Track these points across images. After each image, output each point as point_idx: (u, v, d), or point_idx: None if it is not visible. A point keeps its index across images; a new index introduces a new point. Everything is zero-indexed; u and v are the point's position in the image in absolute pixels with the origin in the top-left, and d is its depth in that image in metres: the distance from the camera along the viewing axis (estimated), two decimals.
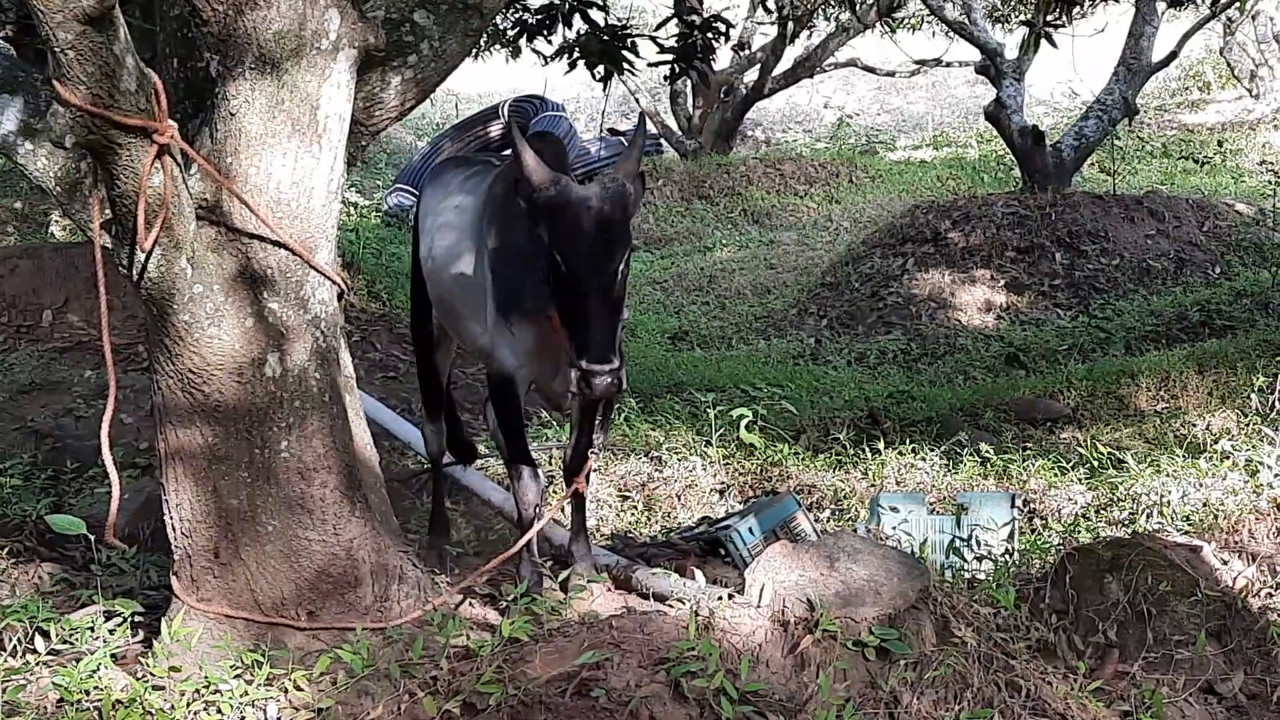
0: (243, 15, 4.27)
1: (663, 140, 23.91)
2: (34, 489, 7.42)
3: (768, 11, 19.86)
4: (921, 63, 21.61)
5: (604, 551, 6.47)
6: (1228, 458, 5.50)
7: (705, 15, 12.87)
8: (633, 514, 7.38)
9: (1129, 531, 5.18)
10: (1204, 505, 4.97)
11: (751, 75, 23.76)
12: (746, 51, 23.91)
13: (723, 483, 7.48)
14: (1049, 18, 15.17)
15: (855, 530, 5.85)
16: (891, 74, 24.10)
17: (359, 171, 24.71)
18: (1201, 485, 5.31)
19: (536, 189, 4.91)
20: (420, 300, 6.45)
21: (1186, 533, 4.74)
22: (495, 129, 21.39)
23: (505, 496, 6.93)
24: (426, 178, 6.70)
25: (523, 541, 5.39)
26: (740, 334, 14.86)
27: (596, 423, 5.73)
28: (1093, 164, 18.61)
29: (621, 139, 22.02)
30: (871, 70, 24.07)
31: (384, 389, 10.13)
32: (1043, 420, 9.62)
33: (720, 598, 4.16)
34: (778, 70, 23.51)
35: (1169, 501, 5.23)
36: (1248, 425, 8.34)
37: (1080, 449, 7.92)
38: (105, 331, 4.17)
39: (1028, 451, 7.46)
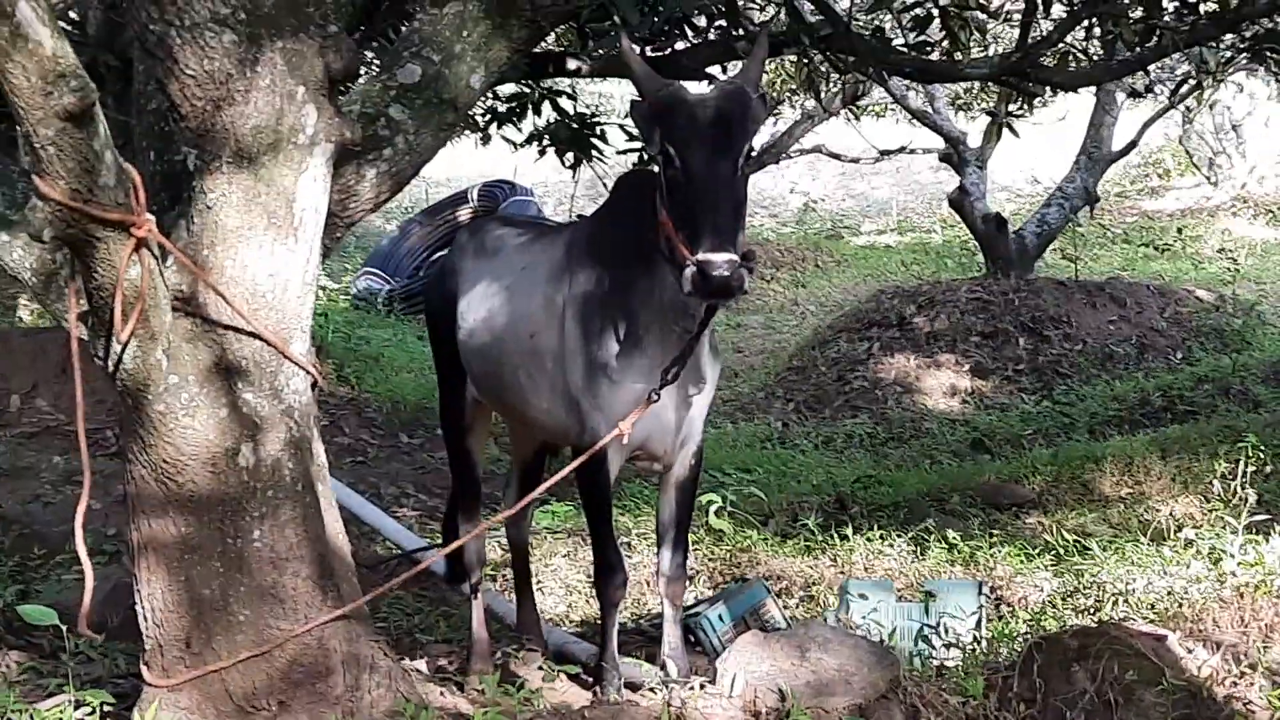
0: (220, 111, 4.33)
1: None
2: (0, 576, 7.40)
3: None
4: (886, 152, 21.81)
5: (574, 639, 6.50)
6: (1191, 545, 5.56)
7: None
8: None
9: (1095, 619, 5.24)
10: (1168, 594, 5.03)
11: None
12: None
13: (692, 569, 7.50)
14: (1011, 107, 15.43)
15: (824, 618, 5.88)
16: (856, 160, 24.27)
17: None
18: (1166, 574, 5.37)
19: (651, 91, 4.85)
20: (450, 377, 6.17)
21: (1152, 621, 4.79)
22: (464, 214, 21.48)
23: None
24: (456, 244, 6.40)
25: (607, 641, 5.34)
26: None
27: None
28: (1055, 250, 18.83)
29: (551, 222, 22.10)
30: (837, 157, 24.24)
31: (352, 473, 10.14)
32: (1008, 505, 9.68)
33: (692, 688, 4.20)
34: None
35: (1134, 590, 5.30)
36: (1210, 511, 8.42)
37: (1046, 535, 7.98)
38: (80, 421, 4.20)
39: (994, 537, 7.52)
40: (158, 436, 4.38)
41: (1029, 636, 4.78)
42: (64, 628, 5.17)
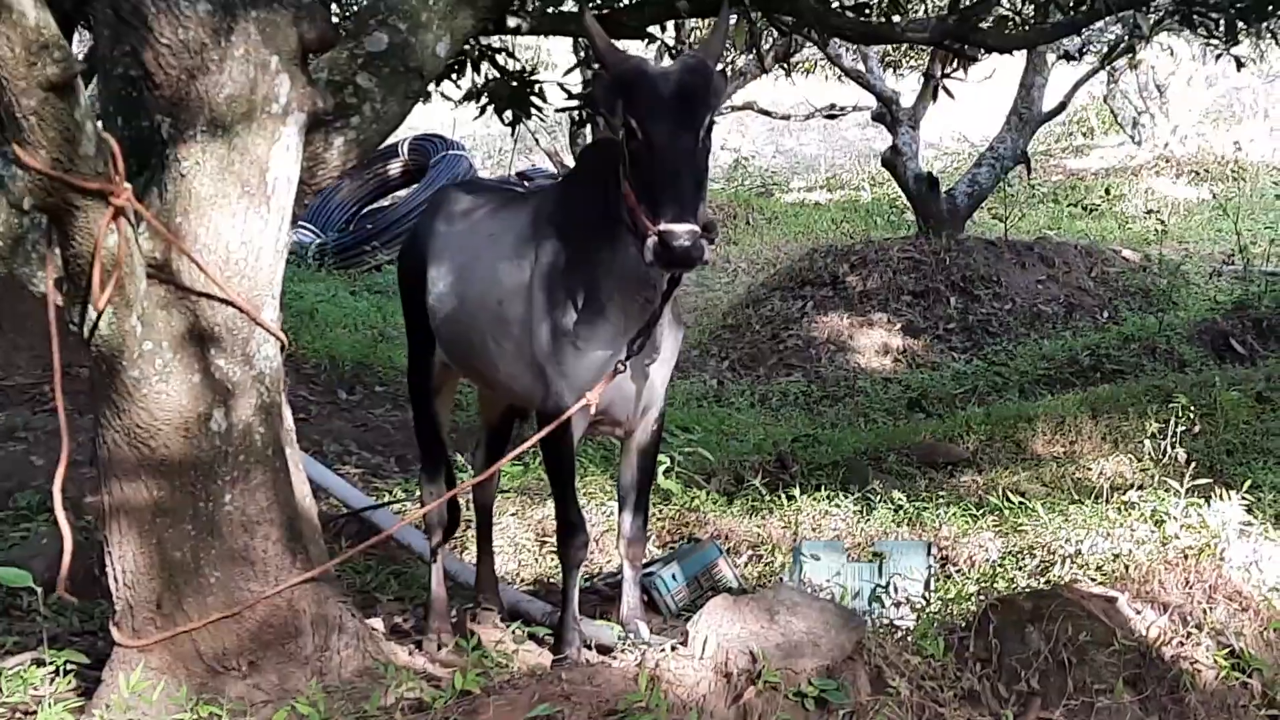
0: (195, 80, 4.36)
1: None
2: None
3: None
4: (830, 116, 21.94)
5: (528, 598, 6.58)
6: (1134, 507, 5.72)
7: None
8: (552, 559, 7.47)
9: (1045, 581, 5.39)
10: (1115, 556, 5.17)
11: None
12: None
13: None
14: (948, 69, 15.58)
15: (781, 579, 6.01)
16: (787, 117, 24.40)
17: None
18: (1110, 536, 5.52)
19: (612, 65, 4.89)
20: (419, 341, 6.19)
21: (1100, 583, 4.94)
22: (394, 167, 21.41)
23: (424, 542, 6.88)
24: (427, 210, 6.41)
25: (568, 601, 5.44)
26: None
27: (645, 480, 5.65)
28: (985, 209, 19.02)
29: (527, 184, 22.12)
30: (768, 114, 24.37)
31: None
32: (944, 464, 9.83)
33: (664, 649, 4.30)
34: None
35: (1080, 552, 5.45)
36: (1142, 471, 8.62)
37: (983, 494, 8.13)
38: (58, 386, 4.22)
39: (937, 497, 7.65)
40: (131, 402, 4.42)
41: (982, 598, 4.92)
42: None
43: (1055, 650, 4.42)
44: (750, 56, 20.24)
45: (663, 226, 4.57)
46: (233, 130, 4.42)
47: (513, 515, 7.98)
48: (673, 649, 4.28)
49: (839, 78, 20.58)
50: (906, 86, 20.47)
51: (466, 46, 11.08)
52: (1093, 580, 5.05)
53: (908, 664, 4.25)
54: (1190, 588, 4.80)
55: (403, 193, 21.43)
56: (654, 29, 9.41)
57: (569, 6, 9.49)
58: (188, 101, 4.38)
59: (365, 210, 21.10)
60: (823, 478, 9.18)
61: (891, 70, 22.24)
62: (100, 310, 4.18)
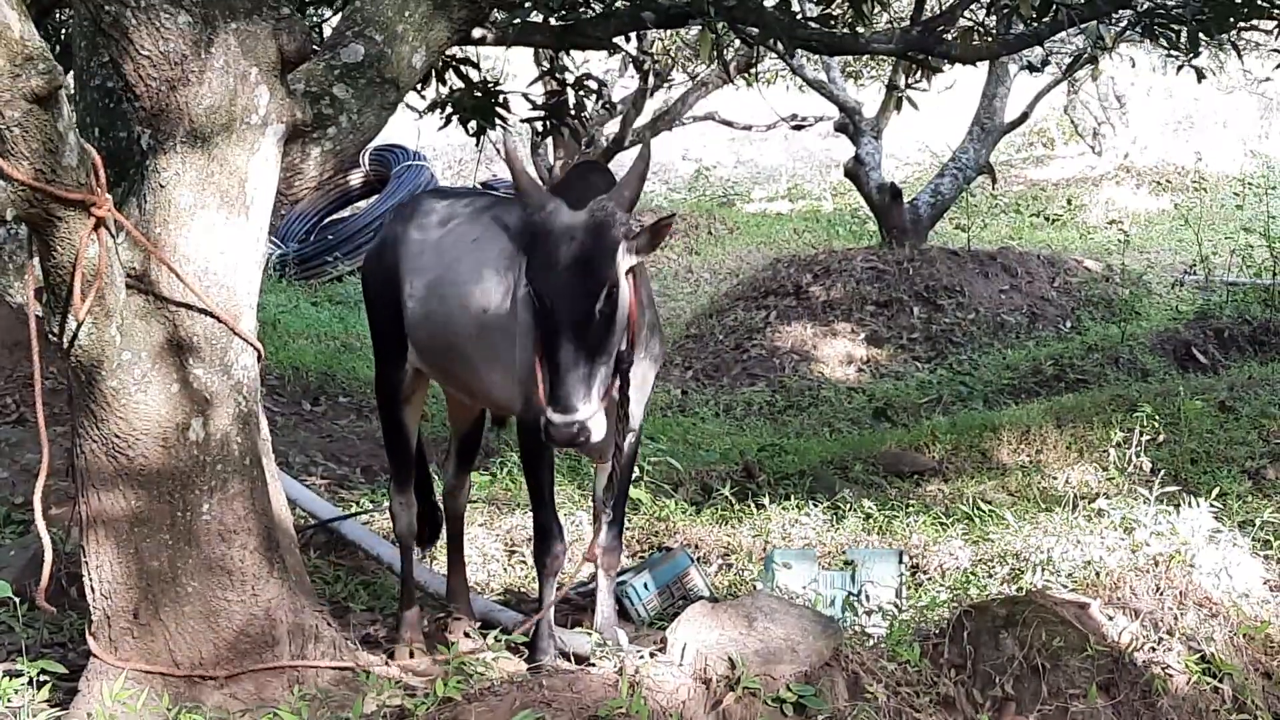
0: (175, 91, 4.38)
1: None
2: None
3: (639, 69, 20.16)
4: (797, 126, 22.01)
5: (499, 607, 6.60)
6: (1103, 515, 5.77)
7: (576, 74, 13.10)
8: (522, 568, 7.49)
9: (1016, 588, 5.44)
10: (1086, 564, 5.22)
11: (612, 127, 24.02)
12: (607, 104, 24.16)
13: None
14: (911, 80, 15.61)
15: (756, 587, 6.04)
16: (749, 128, 24.47)
17: None
18: (1080, 543, 5.57)
19: (526, 207, 4.86)
20: (389, 349, 6.11)
21: (1072, 590, 4.99)
22: (355, 178, 21.34)
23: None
24: (399, 216, 6.28)
25: (544, 609, 5.49)
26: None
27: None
28: (948, 219, 19.11)
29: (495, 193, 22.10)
30: (729, 124, 24.42)
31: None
32: (909, 473, 9.88)
33: (644, 656, 4.33)
34: (638, 123, 23.81)
35: (1051, 559, 5.50)
36: (1109, 480, 8.68)
37: (950, 503, 8.18)
38: (39, 400, 4.23)
39: (904, 506, 7.70)
40: (109, 412, 4.44)
41: (956, 605, 4.96)
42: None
43: (1029, 655, 4.47)
44: (713, 67, 20.33)
45: (548, 415, 4.69)
46: (212, 141, 4.44)
47: (481, 525, 7.98)
48: (651, 655, 4.31)
49: (800, 88, 20.67)
50: (868, 96, 20.54)
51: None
52: (1065, 587, 5.10)
53: (884, 670, 4.30)
54: (1161, 594, 4.86)
55: (363, 204, 21.39)
56: (618, 39, 9.47)
57: (535, 17, 9.53)
58: (168, 113, 4.40)
59: (326, 220, 21.02)
60: (790, 487, 9.21)
61: (853, 80, 22.34)
62: (80, 320, 4.19)
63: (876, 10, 11.10)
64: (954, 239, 18.49)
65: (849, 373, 14.60)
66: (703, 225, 22.79)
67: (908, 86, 14.12)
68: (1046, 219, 21.53)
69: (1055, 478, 9.16)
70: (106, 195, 4.09)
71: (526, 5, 9.64)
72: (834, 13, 10.18)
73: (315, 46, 4.85)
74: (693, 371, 15.08)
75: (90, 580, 4.68)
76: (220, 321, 4.54)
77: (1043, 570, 5.42)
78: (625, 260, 4.87)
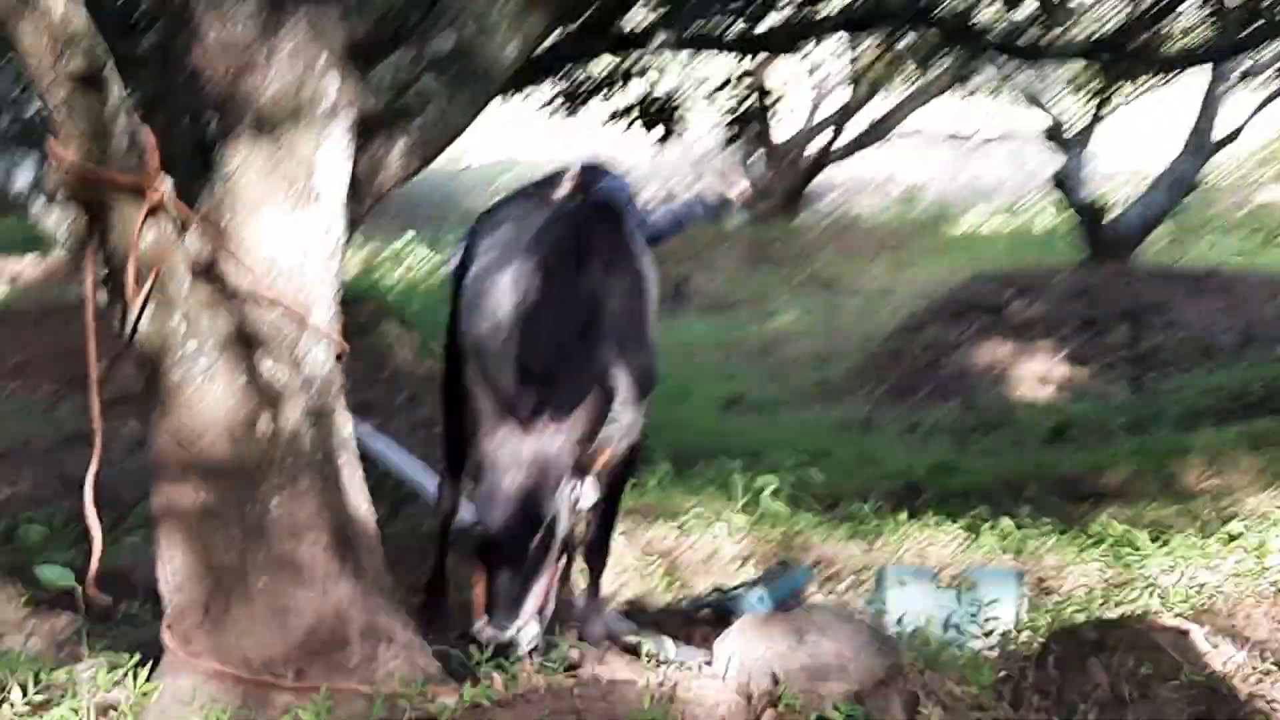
0: (241, 78, 4.34)
1: (730, 203, 23.86)
2: (66, 539, 7.50)
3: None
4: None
5: (618, 616, 6.46)
6: (1236, 538, 5.41)
7: (761, 85, 13.00)
8: (656, 578, 7.35)
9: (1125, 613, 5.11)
10: (1200, 588, 4.88)
11: (821, 140, 23.81)
12: (817, 117, 23.97)
13: (748, 551, 7.44)
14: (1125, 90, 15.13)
15: (860, 602, 5.80)
16: (965, 139, 24.09)
17: (428, 227, 24.90)
18: (1210, 567, 5.22)
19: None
20: (455, 352, 6.19)
21: (1183, 615, 4.66)
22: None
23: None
24: (480, 220, 6.44)
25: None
26: (796, 401, 14.77)
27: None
28: (1159, 238, 18.40)
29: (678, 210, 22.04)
30: (942, 138, 24.07)
31: (427, 447, 10.12)
32: (1087, 495, 9.50)
33: (689, 668, 4.15)
34: (846, 137, 23.58)
35: (1172, 583, 5.15)
36: None
37: (1102, 527, 7.78)
38: (93, 386, 4.21)
39: (1050, 527, 7.35)
40: (175, 403, 4.39)
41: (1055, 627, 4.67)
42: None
43: (1116, 683, 4.16)
44: (925, 78, 20.04)
45: (478, 626, 4.84)
46: (279, 129, 4.38)
47: (622, 534, 7.85)
48: (698, 668, 4.14)
49: (1015, 101, 20.18)
50: (1079, 108, 19.89)
51: (616, 63, 11.12)
52: (1177, 612, 4.76)
53: (947, 693, 4.03)
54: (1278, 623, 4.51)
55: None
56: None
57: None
58: (234, 100, 4.36)
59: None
60: (955, 506, 8.92)
61: (1080, 91, 21.73)
62: (138, 309, 4.16)
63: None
64: (1164, 257, 17.77)
65: (1043, 394, 14.11)
66: (912, 241, 22.41)
67: (1107, 96, 13.67)
68: (1270, 238, 20.49)
69: (1243, 503, 8.69)
70: (162, 180, 4.04)
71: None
72: (1016, 19, 9.90)
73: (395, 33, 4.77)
74: (884, 389, 14.74)
75: (162, 572, 4.64)
76: (289, 313, 4.47)
77: (1158, 594, 5.08)
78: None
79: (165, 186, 4.07)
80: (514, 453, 4.88)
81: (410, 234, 23.40)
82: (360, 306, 12.12)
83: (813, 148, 24.08)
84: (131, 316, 4.19)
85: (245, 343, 4.45)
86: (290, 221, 4.44)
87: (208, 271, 4.41)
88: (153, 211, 4.05)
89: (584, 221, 5.67)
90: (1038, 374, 14.44)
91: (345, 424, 4.92)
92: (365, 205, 4.87)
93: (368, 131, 4.69)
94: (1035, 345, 14.84)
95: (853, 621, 4.25)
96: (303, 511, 4.60)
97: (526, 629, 4.80)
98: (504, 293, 5.53)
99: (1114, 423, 12.17)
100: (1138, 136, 19.38)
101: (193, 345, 4.34)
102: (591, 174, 6.36)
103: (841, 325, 18.22)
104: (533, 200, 6.28)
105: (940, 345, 15.27)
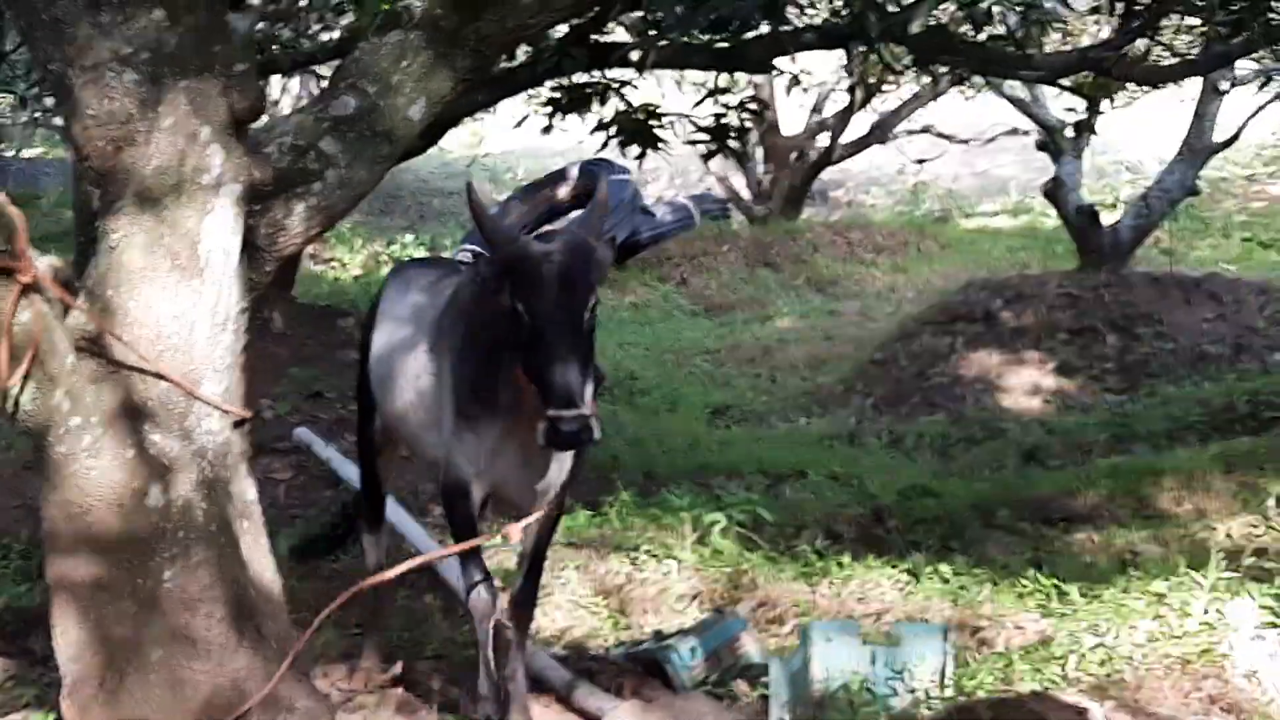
0: (122, 151, 4.28)
1: (730, 205, 23.86)
2: (12, 573, 7.49)
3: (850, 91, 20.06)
4: (992, 138, 21.47)
5: (553, 663, 6.39)
6: (1161, 598, 5.30)
7: (741, 97, 12.90)
8: (604, 617, 7.30)
9: (1039, 682, 5.01)
10: (1112, 655, 4.78)
11: (823, 140, 23.70)
12: (818, 116, 23.85)
13: (695, 589, 7.37)
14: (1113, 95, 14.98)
15: (783, 661, 5.72)
16: (966, 141, 23.93)
17: (429, 228, 24.90)
18: (1130, 626, 5.11)
19: (498, 245, 5.05)
20: (366, 403, 6.40)
21: (1090, 686, 4.57)
22: (563, 191, 21.41)
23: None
24: (390, 276, 6.70)
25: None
26: (785, 410, 14.66)
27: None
28: (1153, 243, 18.26)
29: (688, 205, 22.02)
30: (947, 138, 23.93)
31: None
32: (1059, 519, 9.41)
33: None
34: (849, 136, 23.46)
35: (1087, 645, 5.06)
36: (1269, 531, 8.13)
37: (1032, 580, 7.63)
38: None
39: (988, 574, 7.24)
40: (62, 477, 4.35)
41: (958, 699, 4.60)
42: None
43: None
44: (925, 80, 19.94)
45: (552, 413, 4.78)
46: (162, 203, 4.32)
47: (577, 568, 7.80)
48: None
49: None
50: (1070, 114, 19.76)
51: (594, 80, 11.05)
52: (1084, 684, 4.68)
53: None
54: (1187, 696, 4.42)
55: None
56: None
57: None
58: (116, 173, 4.30)
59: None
60: (922, 534, 8.85)
61: (1057, 96, 21.60)
62: (15, 388, 4.11)
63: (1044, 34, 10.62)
64: (1158, 263, 17.58)
65: (1034, 404, 13.96)
66: (913, 242, 22.28)
67: (1097, 104, 13.56)
68: (1263, 244, 20.25)
69: (1214, 528, 8.59)
70: (34, 260, 4.00)
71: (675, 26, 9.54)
72: (999, 32, 9.79)
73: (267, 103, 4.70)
74: (872, 399, 14.61)
75: (57, 644, 4.61)
76: (178, 385, 4.42)
77: (1074, 658, 4.99)
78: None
79: (39, 267, 4.02)
80: (543, 248, 5.00)
81: (410, 235, 23.42)
82: (360, 307, 12.11)
83: (813, 148, 23.98)
84: (11, 395, 4.14)
85: (132, 416, 4.40)
86: (176, 294, 4.39)
87: (91, 346, 4.36)
88: (26, 291, 4.00)
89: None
90: (1027, 384, 14.28)
91: (246, 491, 4.87)
92: (267, 269, 4.82)
93: (267, 197, 4.64)
94: (1025, 355, 14.68)
95: (731, 710, 4.20)
96: (197, 584, 4.56)
97: (591, 422, 4.83)
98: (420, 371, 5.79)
99: (1095, 439, 12.03)
100: (1131, 143, 19.21)
101: (76, 421, 4.29)
102: (592, 173, 6.59)
103: (839, 329, 18.10)
104: (440, 269, 6.44)
105: (930, 354, 15.11)
